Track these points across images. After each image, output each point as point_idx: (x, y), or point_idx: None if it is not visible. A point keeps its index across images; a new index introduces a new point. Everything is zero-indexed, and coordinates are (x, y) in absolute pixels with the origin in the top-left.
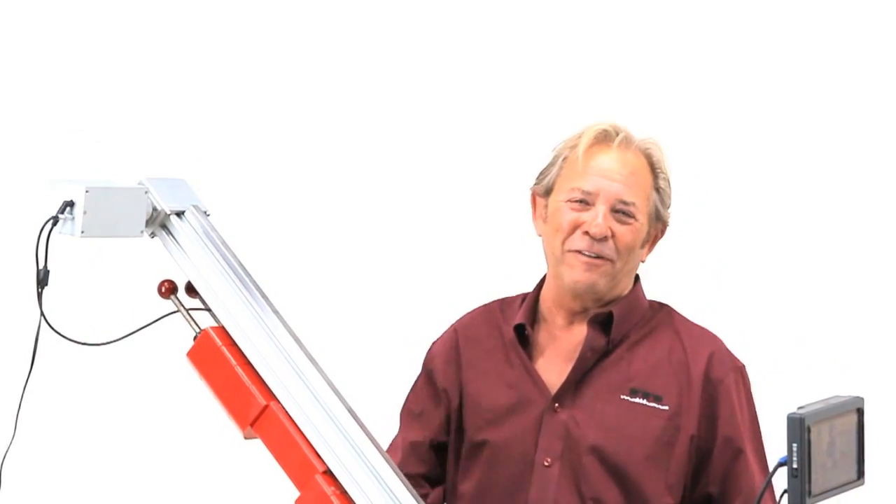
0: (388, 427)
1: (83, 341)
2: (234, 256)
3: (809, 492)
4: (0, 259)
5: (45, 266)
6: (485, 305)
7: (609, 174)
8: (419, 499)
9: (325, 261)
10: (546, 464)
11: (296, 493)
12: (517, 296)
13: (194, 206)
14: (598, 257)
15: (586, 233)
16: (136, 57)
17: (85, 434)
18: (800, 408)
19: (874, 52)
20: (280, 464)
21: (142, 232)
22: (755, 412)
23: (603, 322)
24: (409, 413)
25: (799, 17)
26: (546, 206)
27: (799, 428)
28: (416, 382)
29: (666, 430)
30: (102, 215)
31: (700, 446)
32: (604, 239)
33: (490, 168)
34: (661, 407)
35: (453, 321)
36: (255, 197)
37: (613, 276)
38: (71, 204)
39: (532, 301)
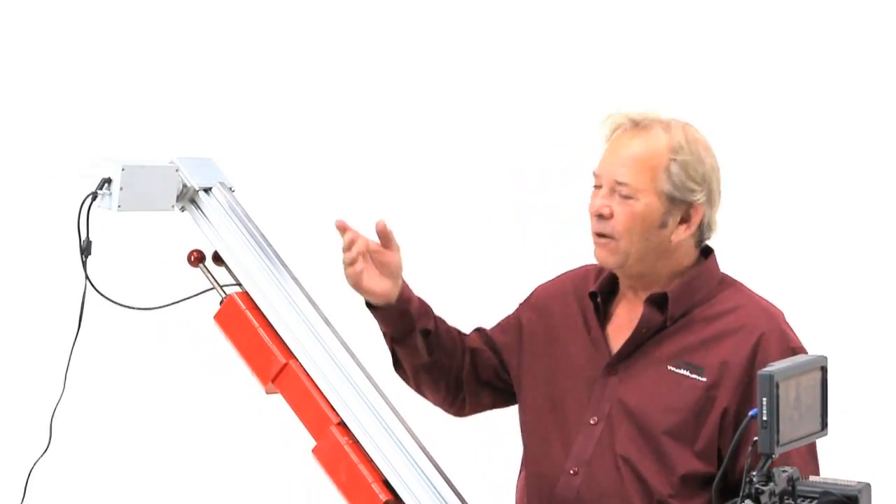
0: (398, 382)
1: (129, 305)
2: (257, 228)
3: (778, 441)
4: (45, 235)
5: (88, 237)
6: (587, 266)
7: (612, 159)
8: (426, 448)
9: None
10: (592, 422)
11: (312, 443)
12: None
13: (220, 183)
14: (600, 235)
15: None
16: (172, 48)
17: (126, 387)
18: (769, 366)
19: (875, 51)
20: (298, 416)
21: (173, 206)
22: None
23: (658, 301)
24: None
25: (800, 17)
26: None
27: (768, 384)
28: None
29: (700, 401)
30: (137, 191)
31: (738, 421)
32: (601, 217)
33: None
34: (700, 379)
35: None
36: (277, 174)
37: (625, 253)
38: (108, 181)
39: (610, 272)
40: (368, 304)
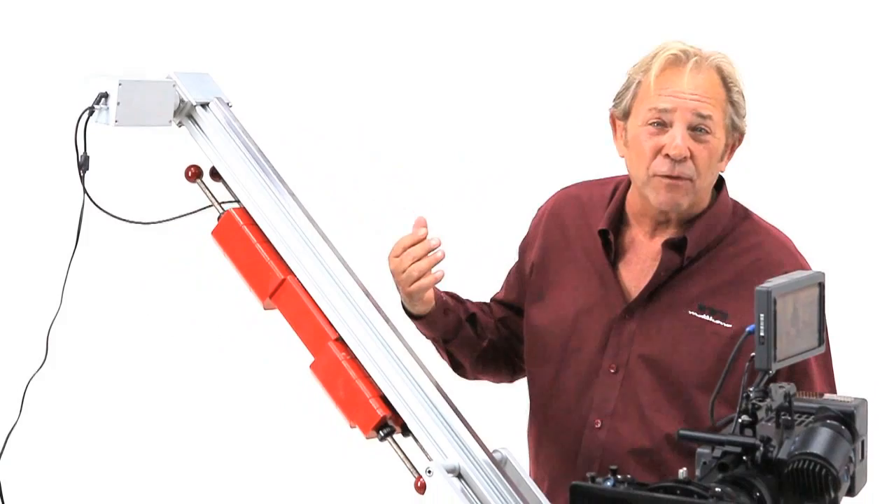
0: (396, 301)
1: (127, 218)
2: (254, 143)
3: (775, 357)
4: (42, 150)
5: (85, 152)
6: (579, 187)
7: (683, 93)
8: (423, 364)
9: (337, 144)
10: (612, 371)
11: (310, 359)
12: (611, 182)
13: (218, 98)
14: (678, 178)
15: (667, 155)
16: None
17: (123, 302)
18: (767, 282)
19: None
20: (296, 332)
21: (170, 122)
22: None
23: (677, 245)
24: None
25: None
26: (626, 130)
27: (766, 300)
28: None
29: (727, 347)
30: (134, 106)
31: None
32: (683, 160)
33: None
34: (725, 325)
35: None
36: (274, 89)
37: (695, 192)
38: (105, 95)
39: (618, 204)
40: (410, 315)
